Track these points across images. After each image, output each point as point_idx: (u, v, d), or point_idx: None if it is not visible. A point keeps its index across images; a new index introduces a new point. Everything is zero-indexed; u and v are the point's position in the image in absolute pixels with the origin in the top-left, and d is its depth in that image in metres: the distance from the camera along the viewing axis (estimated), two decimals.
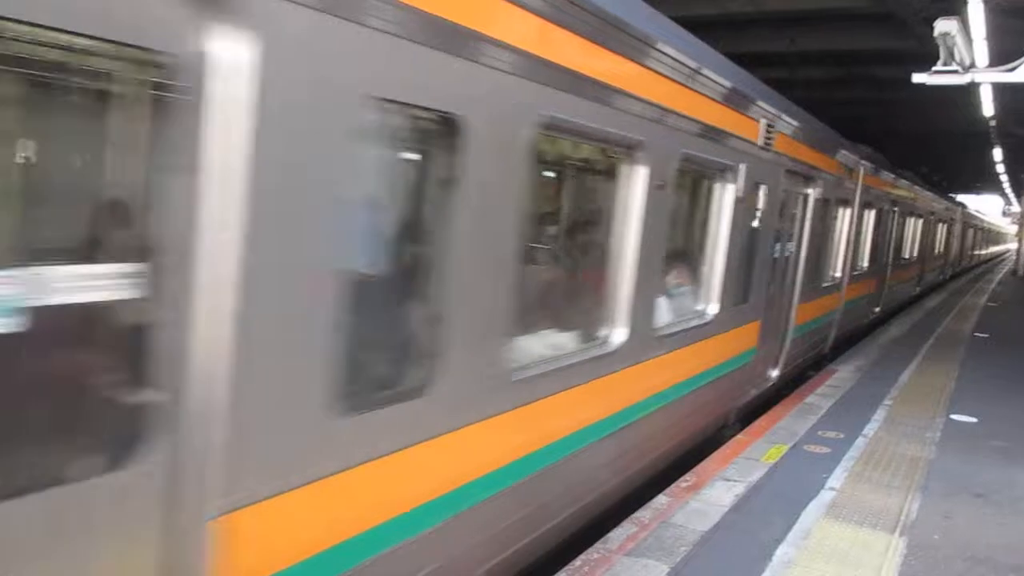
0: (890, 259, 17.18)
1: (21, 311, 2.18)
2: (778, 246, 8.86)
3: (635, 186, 5.23)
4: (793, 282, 9.68)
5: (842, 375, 11.26)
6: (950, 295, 26.49)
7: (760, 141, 7.40)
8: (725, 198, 6.98)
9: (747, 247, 7.62)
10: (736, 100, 6.74)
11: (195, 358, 2.51)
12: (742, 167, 6.98)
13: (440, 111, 3.50)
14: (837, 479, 6.78)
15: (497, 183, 3.86)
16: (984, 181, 48.42)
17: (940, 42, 8.41)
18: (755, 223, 7.77)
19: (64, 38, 2.30)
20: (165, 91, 2.45)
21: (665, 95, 5.40)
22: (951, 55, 8.46)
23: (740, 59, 7.51)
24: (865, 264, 14.49)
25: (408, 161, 4.12)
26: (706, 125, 6.17)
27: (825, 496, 6.35)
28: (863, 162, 12.79)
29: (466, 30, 3.47)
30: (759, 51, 13.07)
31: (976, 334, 16.64)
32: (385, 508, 3.41)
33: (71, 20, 2.17)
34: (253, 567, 2.84)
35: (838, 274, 12.46)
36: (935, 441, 8.18)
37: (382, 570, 3.41)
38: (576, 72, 4.31)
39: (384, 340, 3.77)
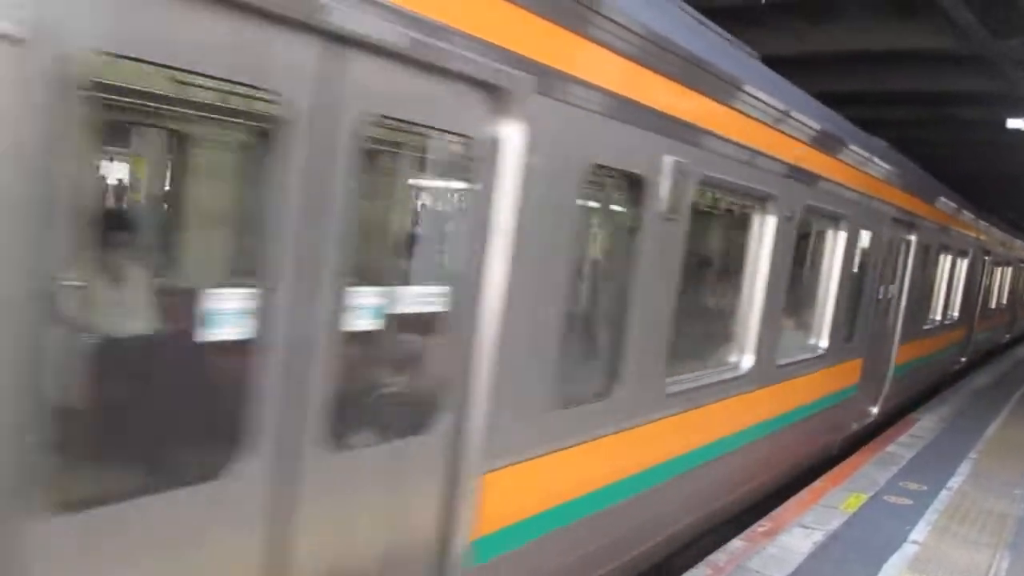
0: (1020, 299, 26.80)
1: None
2: (974, 288, 17.04)
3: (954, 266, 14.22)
4: (975, 305, 17.50)
5: (925, 424, 10.89)
6: None
7: (975, 237, 15.90)
8: (967, 267, 15.31)
9: (968, 289, 15.78)
10: (979, 223, 16.05)
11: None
12: (971, 251, 15.37)
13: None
14: (920, 532, 6.57)
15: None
16: None
17: None
18: (972, 278, 16.06)
19: None
20: None
21: (973, 231, 15.07)
22: None
23: (819, 98, 7.44)
24: (1004, 302, 23.43)
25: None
26: (979, 241, 16.14)
27: (908, 549, 6.15)
28: (1017, 240, 22.80)
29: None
30: (835, 90, 12.85)
31: None
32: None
33: None
34: None
35: (992, 306, 20.91)
36: None
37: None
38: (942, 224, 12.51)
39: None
